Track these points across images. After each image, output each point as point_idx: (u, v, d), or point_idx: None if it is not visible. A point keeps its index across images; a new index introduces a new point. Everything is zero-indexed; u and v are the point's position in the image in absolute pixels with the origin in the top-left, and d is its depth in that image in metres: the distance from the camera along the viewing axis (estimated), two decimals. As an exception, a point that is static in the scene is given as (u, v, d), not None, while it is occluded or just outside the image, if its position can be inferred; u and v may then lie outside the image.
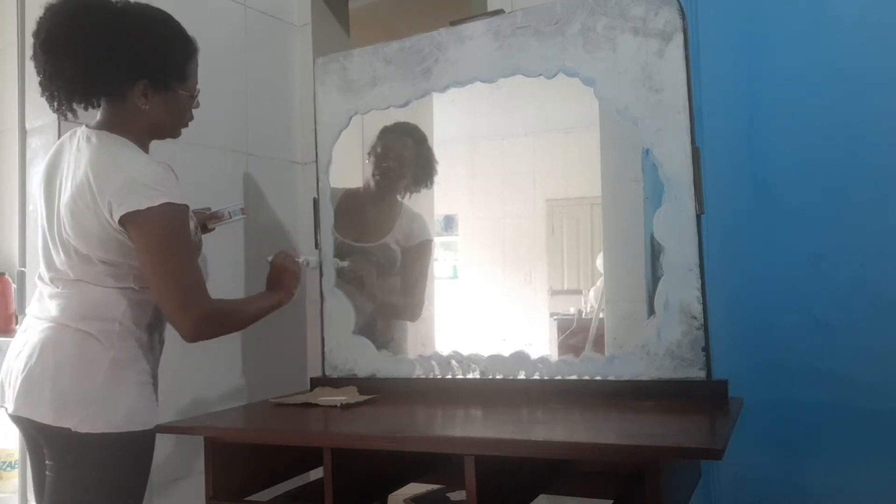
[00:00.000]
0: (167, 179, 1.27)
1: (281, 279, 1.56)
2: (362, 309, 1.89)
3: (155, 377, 1.36)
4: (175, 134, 1.46)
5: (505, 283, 2.13)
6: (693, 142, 1.45)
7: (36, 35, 1.27)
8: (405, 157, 1.96)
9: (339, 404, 1.50)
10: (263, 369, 2.14)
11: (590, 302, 1.94)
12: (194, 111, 1.46)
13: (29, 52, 1.32)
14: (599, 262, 1.83)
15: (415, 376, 1.72)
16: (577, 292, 2.00)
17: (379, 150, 1.95)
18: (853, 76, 1.60)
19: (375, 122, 1.93)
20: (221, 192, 2.06)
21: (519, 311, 2.10)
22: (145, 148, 1.37)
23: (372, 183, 1.96)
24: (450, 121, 1.99)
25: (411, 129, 1.93)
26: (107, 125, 1.33)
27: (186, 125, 1.47)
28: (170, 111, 1.39)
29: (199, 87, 1.45)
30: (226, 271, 2.07)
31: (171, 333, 1.47)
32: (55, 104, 1.30)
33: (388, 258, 1.95)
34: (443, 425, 1.42)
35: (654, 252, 1.53)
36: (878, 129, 1.58)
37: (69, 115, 1.31)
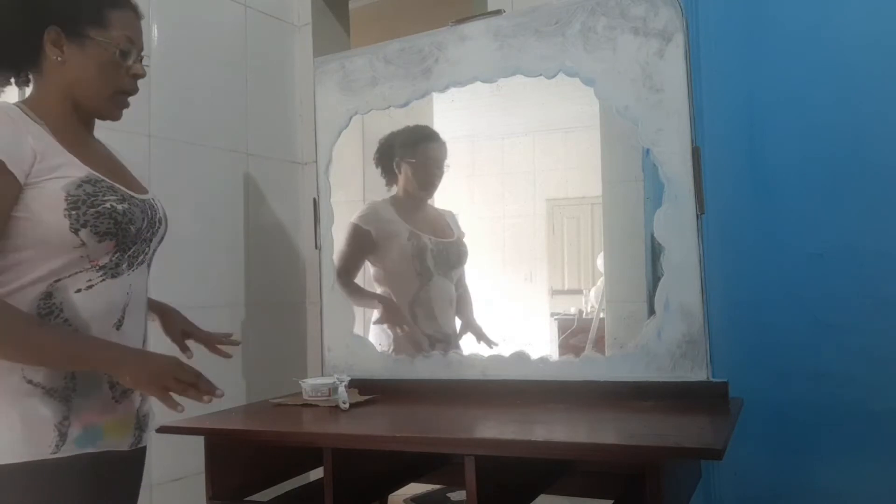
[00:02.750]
0: None
1: (150, 372, 1.14)
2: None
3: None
4: (103, 105, 1.24)
5: (505, 282, 2.14)
6: (693, 142, 1.45)
7: None
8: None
9: (339, 404, 1.50)
10: (263, 369, 2.14)
11: (590, 302, 1.94)
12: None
13: None
14: (600, 262, 1.84)
15: (415, 376, 1.72)
16: (578, 292, 2.01)
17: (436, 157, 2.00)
18: (853, 76, 1.60)
19: (376, 122, 1.93)
20: (221, 192, 2.07)
21: (519, 311, 2.10)
22: (66, 126, 1.21)
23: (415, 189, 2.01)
24: (450, 121, 1.99)
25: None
26: (25, 101, 1.22)
27: (123, 99, 1.25)
28: (87, 65, 1.19)
29: (132, 46, 1.22)
30: (225, 272, 2.08)
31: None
32: None
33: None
34: (443, 425, 1.42)
35: (654, 252, 1.53)
36: (878, 129, 1.58)
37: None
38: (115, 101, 1.24)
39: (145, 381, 1.13)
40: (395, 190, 2.01)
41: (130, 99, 1.30)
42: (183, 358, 1.26)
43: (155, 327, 1.41)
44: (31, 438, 1.11)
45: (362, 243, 1.95)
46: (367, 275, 2.02)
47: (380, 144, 2.02)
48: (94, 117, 1.27)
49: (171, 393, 1.14)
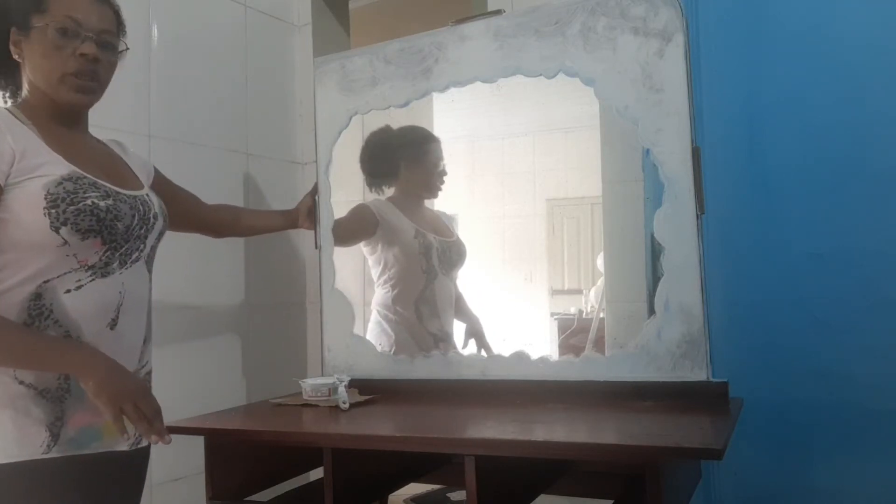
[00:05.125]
0: None
1: (116, 388, 1.11)
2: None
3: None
4: (55, 91, 1.19)
5: (505, 282, 2.14)
6: (693, 142, 1.45)
7: None
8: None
9: (339, 404, 1.50)
10: (263, 369, 2.14)
11: (590, 302, 1.94)
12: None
13: None
14: (600, 261, 1.83)
15: (414, 377, 1.72)
16: (578, 292, 2.01)
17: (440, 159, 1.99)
18: (854, 76, 1.60)
19: (376, 122, 1.93)
20: (221, 192, 2.07)
21: (519, 311, 2.10)
22: (52, 124, 1.21)
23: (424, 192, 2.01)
24: (450, 121, 1.99)
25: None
26: (18, 104, 1.24)
27: (74, 82, 1.19)
28: (34, 54, 1.17)
29: (77, 26, 1.18)
30: (225, 272, 2.07)
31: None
32: None
33: None
34: (443, 425, 1.42)
35: (654, 252, 1.53)
36: (878, 128, 1.58)
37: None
38: (65, 85, 1.19)
39: (107, 394, 1.10)
40: (385, 192, 2.01)
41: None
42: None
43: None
44: (23, 439, 1.12)
45: (367, 226, 1.94)
46: (366, 273, 2.02)
47: (370, 145, 1.99)
48: (63, 107, 1.23)
49: (125, 417, 1.11)
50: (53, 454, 1.13)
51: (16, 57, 1.20)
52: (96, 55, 1.20)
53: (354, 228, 1.94)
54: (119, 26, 1.28)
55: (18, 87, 1.25)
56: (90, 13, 1.20)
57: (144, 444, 1.27)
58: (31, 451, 1.12)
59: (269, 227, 1.85)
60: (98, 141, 1.35)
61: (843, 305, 1.59)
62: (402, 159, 2.00)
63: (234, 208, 1.81)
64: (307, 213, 1.82)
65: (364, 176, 2.02)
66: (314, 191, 1.83)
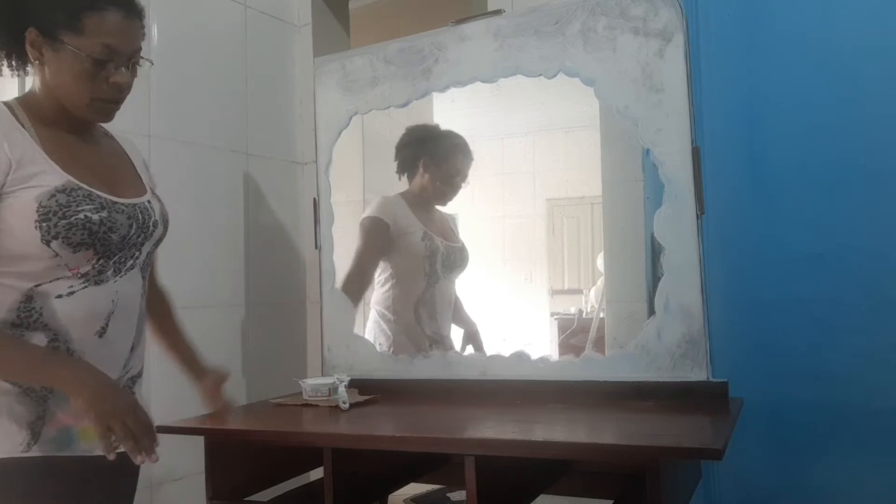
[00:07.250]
0: None
1: (104, 407, 1.08)
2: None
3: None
4: (82, 111, 1.18)
5: (505, 282, 2.14)
6: (693, 142, 1.45)
7: None
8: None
9: (339, 404, 1.50)
10: (263, 369, 2.14)
11: (590, 302, 1.94)
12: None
13: None
14: (600, 261, 1.83)
15: (414, 376, 1.72)
16: (578, 292, 2.01)
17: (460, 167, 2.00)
18: (854, 76, 1.60)
19: (376, 122, 1.93)
20: (221, 192, 2.07)
21: (519, 311, 2.10)
22: (54, 127, 1.18)
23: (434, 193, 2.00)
24: (450, 121, 1.99)
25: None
26: (21, 97, 1.20)
27: (103, 106, 1.19)
28: (61, 71, 1.13)
29: (112, 54, 1.15)
30: (225, 272, 2.07)
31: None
32: None
33: None
34: (443, 425, 1.42)
35: (654, 252, 1.53)
36: (879, 128, 1.58)
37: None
38: (93, 108, 1.18)
39: (95, 412, 1.07)
40: (406, 184, 2.00)
41: (130, 99, 1.29)
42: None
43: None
44: (3, 436, 1.11)
45: (383, 239, 1.92)
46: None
47: (409, 133, 1.99)
48: (80, 119, 1.21)
49: (113, 436, 1.08)
50: (33, 453, 1.12)
51: (33, 59, 1.16)
52: (129, 83, 1.20)
53: (375, 252, 1.93)
54: (143, 37, 1.24)
55: (25, 67, 1.21)
56: (124, 36, 1.16)
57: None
58: (12, 448, 1.11)
59: (177, 360, 1.51)
60: (106, 135, 1.32)
61: (843, 305, 1.58)
62: (427, 157, 1.99)
63: (168, 309, 1.51)
64: (213, 387, 1.48)
65: (396, 160, 2.02)
66: (223, 377, 1.49)
